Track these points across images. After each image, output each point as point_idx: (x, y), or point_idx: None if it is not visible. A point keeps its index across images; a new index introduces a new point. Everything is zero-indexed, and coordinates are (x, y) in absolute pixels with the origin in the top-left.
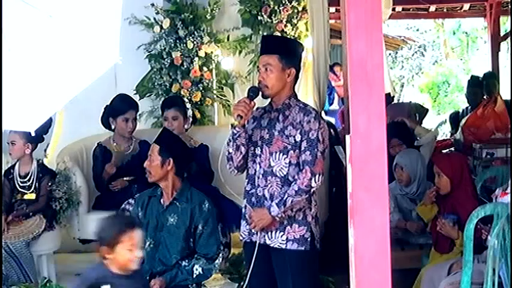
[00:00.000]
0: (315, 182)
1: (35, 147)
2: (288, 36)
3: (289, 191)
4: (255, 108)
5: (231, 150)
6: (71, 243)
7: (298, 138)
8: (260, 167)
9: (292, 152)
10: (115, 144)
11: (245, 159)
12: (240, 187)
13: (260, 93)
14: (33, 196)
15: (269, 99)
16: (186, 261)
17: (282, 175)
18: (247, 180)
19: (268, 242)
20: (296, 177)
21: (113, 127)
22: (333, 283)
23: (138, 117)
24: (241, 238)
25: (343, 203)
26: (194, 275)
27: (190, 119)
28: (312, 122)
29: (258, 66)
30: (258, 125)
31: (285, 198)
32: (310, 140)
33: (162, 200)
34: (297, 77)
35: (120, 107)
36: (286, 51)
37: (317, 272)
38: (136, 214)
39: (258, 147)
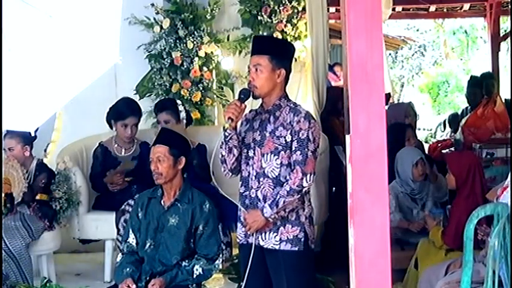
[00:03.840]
0: (307, 182)
1: (32, 147)
2: (288, 37)
3: (281, 192)
4: (247, 111)
5: (224, 153)
6: (71, 243)
7: (288, 138)
8: (253, 168)
9: (283, 152)
10: (116, 145)
11: (238, 161)
12: (233, 187)
13: (250, 94)
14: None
15: (260, 101)
16: (187, 261)
17: (274, 176)
18: (240, 183)
19: (262, 243)
20: (288, 177)
21: (114, 129)
22: (333, 283)
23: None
24: (238, 240)
25: (343, 203)
26: (194, 275)
27: (184, 121)
28: (302, 122)
29: (248, 67)
30: (250, 127)
31: (277, 199)
32: (301, 139)
33: (162, 201)
34: (287, 78)
35: (121, 112)
36: (277, 52)
37: (313, 272)
38: (136, 214)
39: (251, 149)
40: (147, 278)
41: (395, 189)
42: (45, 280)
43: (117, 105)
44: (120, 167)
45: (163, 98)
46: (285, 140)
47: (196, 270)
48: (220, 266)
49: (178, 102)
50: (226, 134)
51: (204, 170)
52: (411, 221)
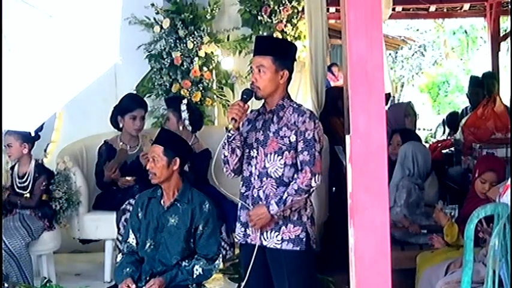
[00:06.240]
0: (315, 182)
1: (32, 146)
2: (288, 37)
3: (288, 190)
4: (249, 111)
5: (226, 154)
6: (71, 243)
7: (293, 139)
8: (255, 168)
9: (287, 152)
10: (122, 143)
11: (241, 161)
12: (235, 188)
13: (253, 94)
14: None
15: (262, 101)
16: (186, 261)
17: (277, 176)
18: (242, 183)
19: (264, 243)
20: (292, 178)
21: (120, 125)
22: (333, 283)
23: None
24: (236, 240)
25: (343, 203)
26: (194, 275)
27: (186, 121)
28: (307, 122)
29: (251, 67)
30: (253, 128)
31: (284, 198)
32: (307, 140)
33: (162, 201)
34: (289, 79)
35: (128, 105)
36: (281, 52)
37: (314, 272)
38: (136, 214)
39: (254, 150)
40: (147, 278)
41: (408, 184)
42: (45, 280)
43: (123, 100)
44: (113, 162)
45: (166, 96)
46: (289, 141)
47: (196, 270)
48: (221, 266)
49: (184, 101)
50: (230, 135)
51: (199, 174)
52: (413, 218)
